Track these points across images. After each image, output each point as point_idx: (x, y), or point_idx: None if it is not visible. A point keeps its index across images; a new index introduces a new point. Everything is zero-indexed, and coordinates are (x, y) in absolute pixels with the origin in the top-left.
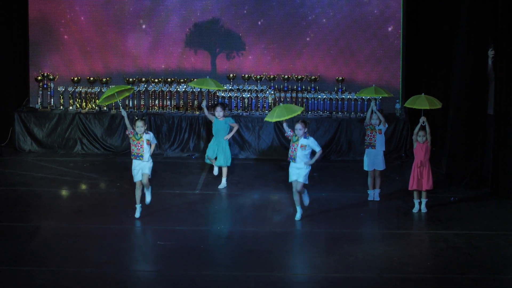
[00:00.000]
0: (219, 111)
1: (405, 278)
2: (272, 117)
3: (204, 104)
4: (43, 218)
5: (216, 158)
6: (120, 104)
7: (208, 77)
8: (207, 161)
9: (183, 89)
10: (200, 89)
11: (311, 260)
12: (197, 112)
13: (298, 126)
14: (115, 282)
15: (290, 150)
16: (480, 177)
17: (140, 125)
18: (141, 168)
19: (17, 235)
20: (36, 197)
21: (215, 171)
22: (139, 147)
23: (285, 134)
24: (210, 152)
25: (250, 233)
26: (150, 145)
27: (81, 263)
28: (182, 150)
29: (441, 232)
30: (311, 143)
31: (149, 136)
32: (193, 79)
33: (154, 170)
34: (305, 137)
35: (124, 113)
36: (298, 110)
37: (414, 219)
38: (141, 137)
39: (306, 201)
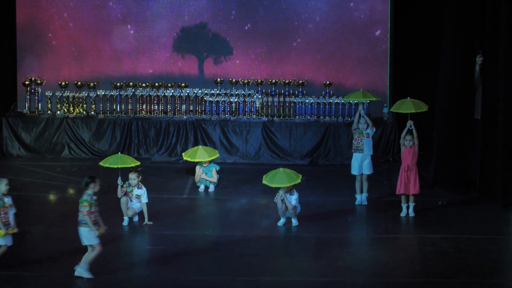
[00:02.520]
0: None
1: (393, 282)
2: (272, 182)
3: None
4: (31, 222)
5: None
6: (120, 175)
7: (200, 145)
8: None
9: (171, 94)
10: (188, 94)
11: (299, 264)
12: (185, 117)
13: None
14: (103, 287)
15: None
16: (468, 181)
17: (133, 178)
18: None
19: None
20: (24, 202)
21: (201, 188)
22: (130, 198)
23: (275, 199)
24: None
25: (238, 237)
26: (140, 201)
27: (70, 268)
28: (170, 155)
29: (429, 236)
30: (294, 198)
31: (141, 192)
32: (181, 84)
33: (143, 175)
34: (291, 194)
35: (119, 181)
36: (297, 178)
37: (402, 223)
38: (132, 190)
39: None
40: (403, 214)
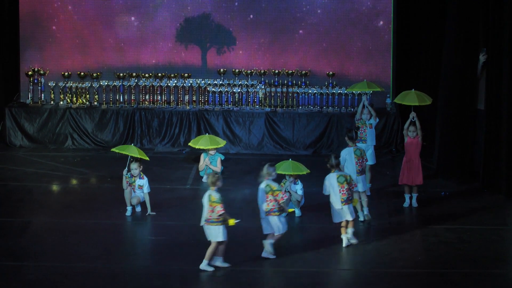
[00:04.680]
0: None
1: (396, 273)
2: (278, 169)
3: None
4: (34, 213)
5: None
6: (127, 166)
7: (207, 133)
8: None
9: (174, 84)
10: (191, 84)
11: (302, 255)
12: (188, 107)
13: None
14: (106, 277)
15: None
16: (471, 172)
17: (134, 167)
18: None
19: (8, 231)
20: (27, 192)
21: (205, 178)
22: (133, 189)
23: (286, 190)
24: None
25: (241, 228)
26: (143, 191)
27: (72, 258)
28: (173, 145)
29: (432, 227)
30: (299, 188)
31: (143, 181)
32: (184, 74)
33: (144, 165)
34: (295, 184)
35: (125, 172)
36: (304, 170)
37: (405, 214)
38: (134, 180)
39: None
40: (405, 204)
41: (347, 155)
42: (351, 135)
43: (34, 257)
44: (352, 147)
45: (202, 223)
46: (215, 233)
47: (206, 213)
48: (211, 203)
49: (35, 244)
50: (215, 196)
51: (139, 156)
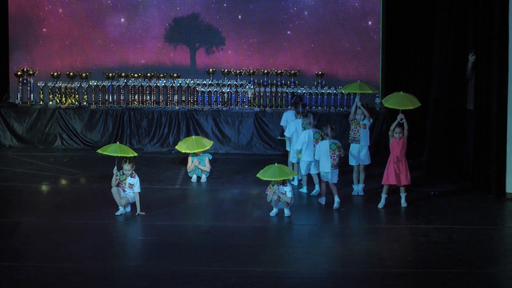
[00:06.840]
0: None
1: (386, 273)
2: (264, 175)
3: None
4: (24, 213)
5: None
6: (116, 164)
7: (193, 135)
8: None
9: (163, 84)
10: (180, 84)
11: (292, 255)
12: (177, 107)
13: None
14: (95, 278)
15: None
16: (460, 171)
17: (127, 168)
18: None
19: None
20: (17, 193)
21: (194, 178)
22: (122, 188)
23: (266, 192)
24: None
25: (231, 228)
26: (133, 190)
27: (62, 259)
28: (162, 145)
29: (421, 227)
30: (288, 189)
31: (134, 180)
32: (173, 74)
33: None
34: (284, 186)
35: (115, 171)
36: (290, 174)
37: (394, 214)
38: (125, 178)
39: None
40: (380, 205)
41: (297, 126)
42: (294, 101)
43: (24, 257)
44: (300, 119)
45: (329, 169)
46: (336, 175)
47: (330, 160)
48: (337, 148)
49: (24, 244)
50: (338, 142)
51: (126, 155)
